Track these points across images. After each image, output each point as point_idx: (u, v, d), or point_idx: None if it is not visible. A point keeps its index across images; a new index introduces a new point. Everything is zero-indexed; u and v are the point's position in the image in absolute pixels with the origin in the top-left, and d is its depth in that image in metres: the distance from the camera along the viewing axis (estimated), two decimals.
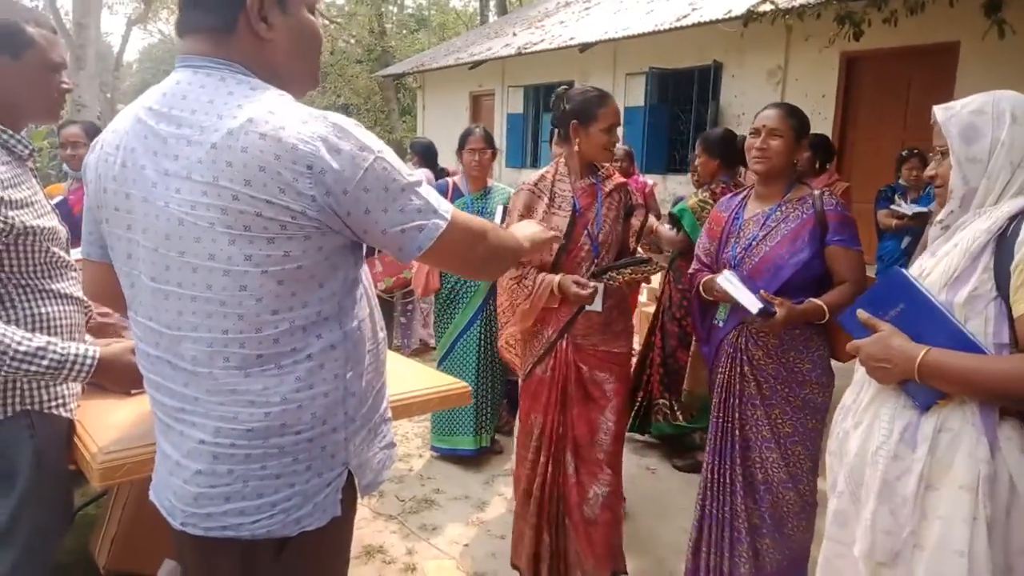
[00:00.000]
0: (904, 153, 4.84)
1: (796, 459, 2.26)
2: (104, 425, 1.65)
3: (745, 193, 2.48)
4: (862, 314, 1.49)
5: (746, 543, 2.30)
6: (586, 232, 2.48)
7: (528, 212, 2.51)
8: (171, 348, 1.13)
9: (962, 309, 1.36)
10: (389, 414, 1.38)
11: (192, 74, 1.11)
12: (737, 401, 2.31)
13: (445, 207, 1.16)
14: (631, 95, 9.53)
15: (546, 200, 2.50)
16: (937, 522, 1.35)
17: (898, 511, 1.40)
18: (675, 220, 3.62)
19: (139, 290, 1.14)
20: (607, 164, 2.63)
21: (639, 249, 2.70)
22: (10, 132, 1.56)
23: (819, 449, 2.22)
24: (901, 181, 4.81)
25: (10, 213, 1.48)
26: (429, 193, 1.15)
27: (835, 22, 5.43)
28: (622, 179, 2.63)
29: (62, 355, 1.47)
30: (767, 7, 5.68)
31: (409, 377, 2.07)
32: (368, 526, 3.05)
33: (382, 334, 1.32)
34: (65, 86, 1.66)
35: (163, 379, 1.16)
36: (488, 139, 3.75)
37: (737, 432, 2.31)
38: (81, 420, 1.67)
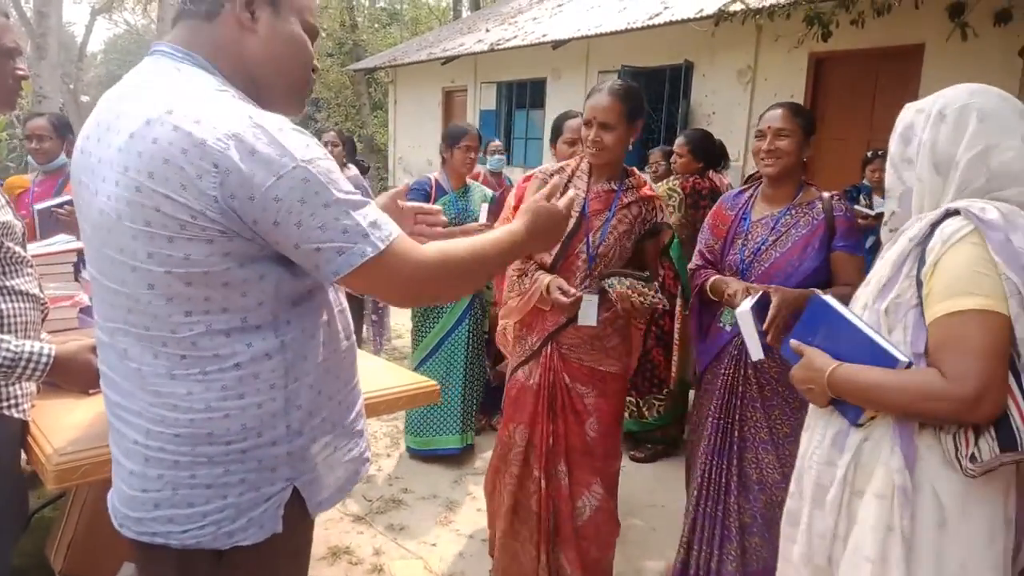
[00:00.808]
0: (869, 154, 4.92)
1: (791, 460, 2.25)
2: (60, 426, 1.60)
3: (751, 192, 2.43)
4: (793, 342, 1.51)
5: (735, 541, 2.31)
6: (586, 239, 2.30)
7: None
8: (112, 337, 1.10)
9: (886, 318, 1.35)
10: (360, 425, 1.30)
11: (152, 62, 1.09)
12: (739, 402, 2.31)
13: (383, 233, 1.04)
14: None
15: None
16: (855, 528, 1.35)
17: (827, 516, 1.40)
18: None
19: (91, 277, 1.13)
20: (637, 172, 2.43)
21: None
22: None
23: None
24: (865, 181, 4.89)
25: None
26: (366, 215, 1.03)
27: (804, 23, 5.50)
28: (649, 192, 2.39)
29: (15, 353, 1.42)
30: (738, 7, 5.73)
31: (378, 375, 2.05)
32: (334, 527, 3.01)
33: (347, 342, 1.25)
34: (20, 73, 1.61)
35: (109, 369, 1.13)
36: (480, 138, 3.73)
37: (736, 432, 2.32)
38: (36, 421, 1.62)
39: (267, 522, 1.12)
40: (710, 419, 2.37)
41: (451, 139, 3.64)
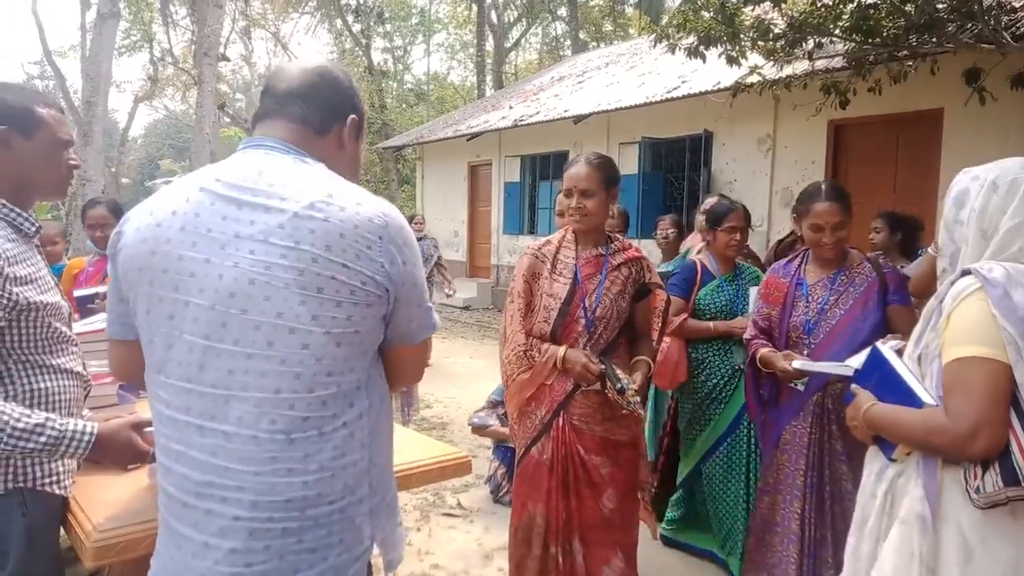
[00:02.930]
0: (878, 215, 4.90)
1: None
2: (99, 502, 1.62)
3: (800, 259, 2.63)
4: (853, 386, 1.68)
5: None
6: (582, 304, 2.36)
7: (532, 276, 2.44)
8: (209, 411, 1.12)
9: (919, 367, 1.51)
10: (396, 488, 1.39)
11: (264, 154, 1.21)
12: (829, 459, 2.44)
13: None
14: (625, 163, 9.73)
15: (548, 266, 2.42)
16: (882, 549, 1.47)
17: (866, 542, 1.52)
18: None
19: (178, 351, 1.13)
20: (620, 236, 2.56)
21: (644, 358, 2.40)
22: (18, 210, 1.59)
23: None
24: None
25: (14, 289, 1.49)
26: None
27: (821, 91, 5.60)
28: (636, 254, 2.48)
29: (59, 431, 1.46)
30: (754, 79, 5.86)
31: (408, 447, 2.05)
32: None
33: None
34: (73, 163, 1.70)
35: (187, 448, 1.13)
36: (748, 217, 3.29)
37: (828, 487, 2.44)
38: (76, 497, 1.65)
39: None
40: (802, 478, 2.47)
41: (714, 219, 3.20)
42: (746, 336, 2.70)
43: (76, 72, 22.06)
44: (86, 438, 1.50)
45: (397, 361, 1.29)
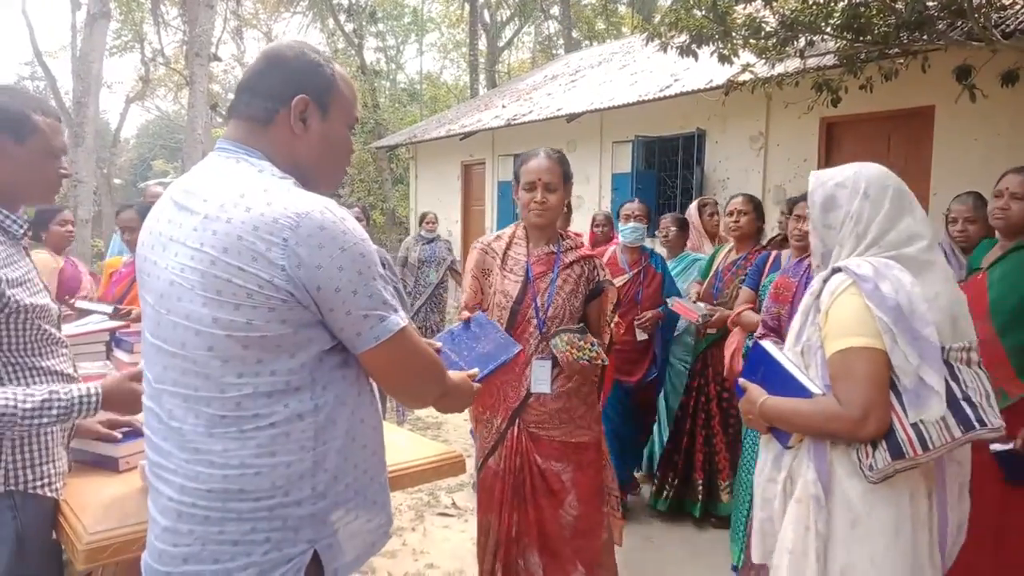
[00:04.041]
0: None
1: None
2: (90, 504, 1.62)
3: (809, 260, 2.64)
4: (740, 380, 1.79)
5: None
6: (534, 304, 2.29)
7: (480, 271, 2.37)
8: (157, 401, 1.20)
9: (802, 359, 1.64)
10: (383, 498, 1.33)
11: (218, 157, 1.24)
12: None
13: (402, 313, 1.20)
14: (618, 162, 9.74)
15: (499, 262, 2.36)
16: (782, 525, 1.63)
17: (775, 522, 1.65)
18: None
19: (145, 344, 1.23)
20: (571, 233, 2.50)
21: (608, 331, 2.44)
22: (6, 212, 1.59)
23: None
24: None
25: (8, 291, 1.49)
26: (394, 296, 1.20)
27: (813, 89, 5.61)
28: (588, 252, 2.43)
29: (67, 402, 1.51)
30: (746, 77, 5.87)
31: (402, 447, 2.04)
32: None
33: (375, 414, 1.31)
34: (63, 171, 1.70)
35: (151, 432, 1.22)
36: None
37: None
38: (67, 500, 1.64)
39: None
40: None
41: (792, 207, 3.04)
42: (756, 335, 2.72)
43: (67, 73, 21.97)
44: (93, 400, 1.55)
45: (368, 369, 1.24)
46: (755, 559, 1.74)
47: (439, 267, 6.79)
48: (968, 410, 1.46)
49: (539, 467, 2.26)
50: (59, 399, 1.50)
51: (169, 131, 30.55)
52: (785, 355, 1.67)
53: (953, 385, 1.48)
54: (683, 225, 4.45)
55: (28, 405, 1.44)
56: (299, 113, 1.23)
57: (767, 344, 1.75)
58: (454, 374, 1.48)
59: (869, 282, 1.51)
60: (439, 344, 1.71)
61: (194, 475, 1.14)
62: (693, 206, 4.78)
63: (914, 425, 1.45)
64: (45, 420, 1.47)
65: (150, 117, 33.14)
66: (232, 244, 1.09)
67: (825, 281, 1.61)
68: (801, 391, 1.57)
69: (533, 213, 2.31)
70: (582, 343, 2.21)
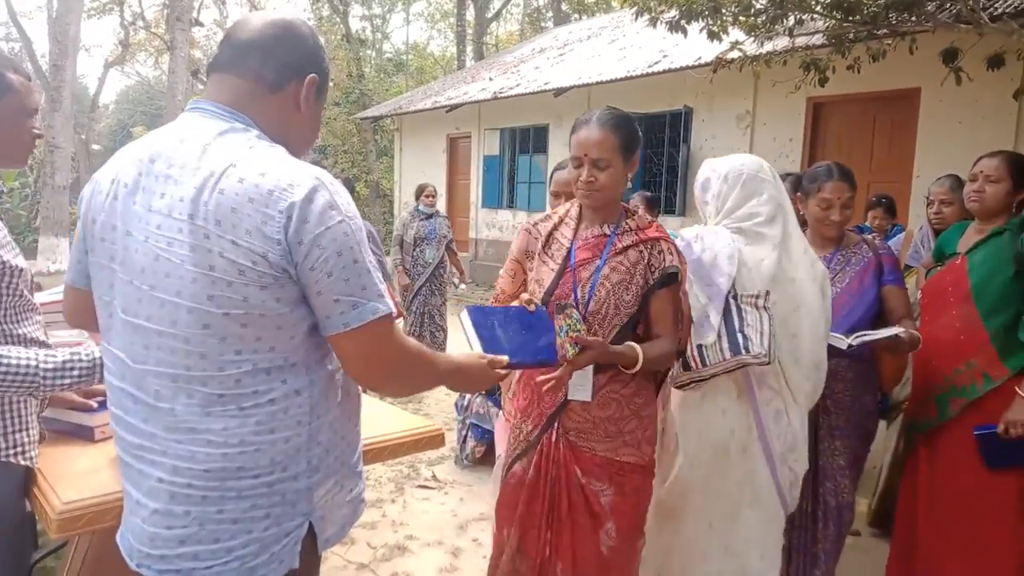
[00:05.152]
0: (872, 199, 4.98)
1: (856, 483, 2.53)
2: (64, 474, 1.60)
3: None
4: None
5: (822, 569, 2.47)
6: (574, 296, 1.88)
7: (523, 255, 2.03)
8: (135, 381, 1.14)
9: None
10: (361, 467, 1.35)
11: (199, 117, 1.16)
12: (816, 432, 2.45)
13: (390, 304, 1.14)
14: None
15: (540, 244, 1.99)
16: None
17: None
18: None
19: (114, 320, 1.16)
20: (639, 210, 2.05)
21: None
22: None
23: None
24: (868, 223, 4.93)
25: None
26: (380, 282, 1.13)
27: (801, 69, 5.60)
28: (653, 234, 1.92)
29: (89, 361, 1.50)
30: (735, 54, 5.84)
31: (382, 420, 2.05)
32: (338, 575, 2.97)
33: (359, 386, 1.31)
34: (36, 132, 1.66)
35: (124, 413, 1.17)
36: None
37: (820, 461, 2.46)
38: (41, 469, 1.62)
39: (286, 557, 1.17)
40: None
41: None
42: None
43: (43, 35, 21.40)
44: (99, 361, 1.52)
45: (336, 352, 1.16)
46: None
47: (438, 245, 6.17)
48: (740, 340, 1.99)
49: (579, 483, 1.90)
50: (80, 360, 1.48)
51: (149, 97, 29.96)
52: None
53: (737, 320, 2.01)
54: (651, 204, 4.56)
55: (50, 365, 1.43)
56: (310, 91, 1.23)
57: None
58: (461, 356, 1.42)
59: (684, 241, 2.09)
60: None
61: (189, 455, 1.10)
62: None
63: (698, 347, 2.04)
64: (67, 381, 1.45)
65: (130, 82, 32.51)
66: (225, 216, 1.04)
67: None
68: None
69: (580, 194, 1.93)
70: (580, 326, 1.78)
